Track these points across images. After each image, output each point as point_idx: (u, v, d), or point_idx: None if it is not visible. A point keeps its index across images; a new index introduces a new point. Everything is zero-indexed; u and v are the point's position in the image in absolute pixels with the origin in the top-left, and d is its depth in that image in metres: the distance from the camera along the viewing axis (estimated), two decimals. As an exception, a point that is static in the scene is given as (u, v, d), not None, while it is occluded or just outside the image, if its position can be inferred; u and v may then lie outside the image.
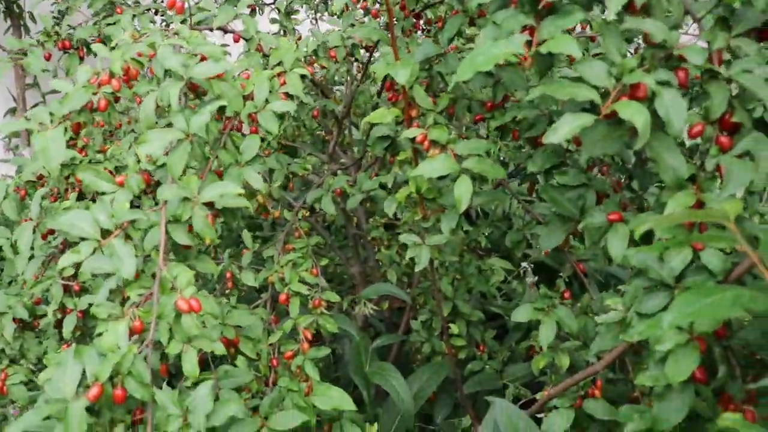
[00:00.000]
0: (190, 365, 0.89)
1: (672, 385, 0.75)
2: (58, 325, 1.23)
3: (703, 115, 0.78)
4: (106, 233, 0.92)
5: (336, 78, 1.67)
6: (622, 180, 1.15)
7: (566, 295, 1.18)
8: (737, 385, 0.79)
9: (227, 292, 1.34)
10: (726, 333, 0.78)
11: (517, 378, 1.55)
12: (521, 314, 1.12)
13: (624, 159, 1.12)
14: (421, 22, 1.42)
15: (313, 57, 1.33)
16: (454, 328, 1.53)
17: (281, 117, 1.09)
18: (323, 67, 1.35)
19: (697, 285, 0.74)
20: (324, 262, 1.33)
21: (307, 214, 1.60)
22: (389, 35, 1.09)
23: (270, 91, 1.12)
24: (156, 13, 1.60)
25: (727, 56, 0.78)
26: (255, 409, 1.05)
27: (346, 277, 1.95)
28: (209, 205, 0.97)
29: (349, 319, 1.46)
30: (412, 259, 1.15)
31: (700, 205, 0.77)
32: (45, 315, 1.27)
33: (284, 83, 1.16)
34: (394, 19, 1.39)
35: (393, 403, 1.42)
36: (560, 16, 0.77)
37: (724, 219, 0.59)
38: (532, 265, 1.68)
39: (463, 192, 0.99)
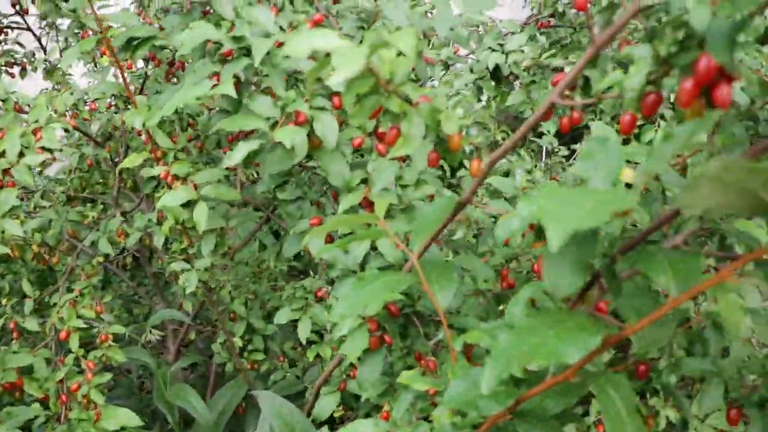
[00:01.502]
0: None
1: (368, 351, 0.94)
2: None
3: (362, 129, 0.98)
4: None
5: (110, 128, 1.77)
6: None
7: (318, 293, 1.35)
8: (422, 342, 0.99)
9: (12, 341, 1.39)
10: (398, 312, 0.96)
11: (316, 379, 1.71)
12: (282, 317, 1.29)
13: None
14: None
15: (76, 111, 1.43)
16: (251, 342, 1.67)
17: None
18: (88, 119, 1.45)
19: (361, 276, 0.92)
20: (108, 298, 1.42)
21: (101, 259, 1.68)
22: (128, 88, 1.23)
23: (27, 147, 1.22)
24: None
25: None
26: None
27: (151, 312, 2.03)
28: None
29: (144, 349, 1.55)
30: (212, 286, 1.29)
31: (369, 202, 0.96)
32: None
33: (40, 138, 1.26)
34: (151, 69, 1.53)
35: (198, 422, 1.54)
36: (234, 62, 0.95)
37: (372, 219, 0.75)
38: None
39: (201, 216, 1.14)
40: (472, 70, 1.36)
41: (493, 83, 1.39)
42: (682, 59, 0.48)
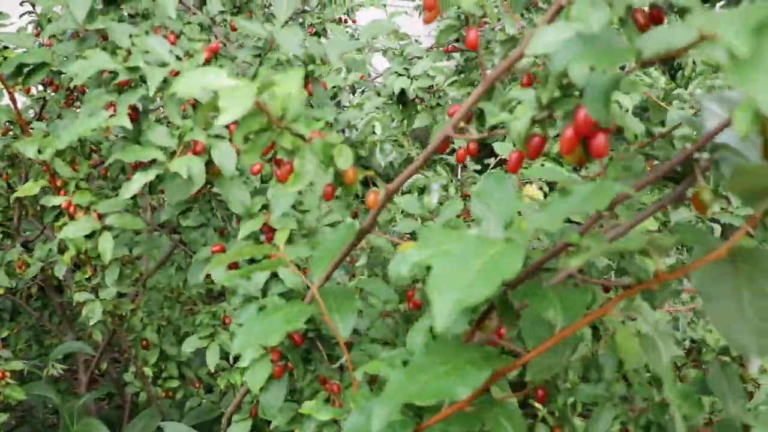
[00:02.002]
0: None
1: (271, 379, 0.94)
2: None
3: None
4: None
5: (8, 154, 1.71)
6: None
7: (227, 320, 1.34)
8: (326, 366, 1.00)
9: None
10: (301, 340, 0.96)
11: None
12: (189, 345, 1.27)
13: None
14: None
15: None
16: (165, 370, 1.63)
17: None
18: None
19: (262, 307, 0.92)
20: (5, 333, 1.37)
21: (1, 291, 1.61)
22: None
23: None
24: None
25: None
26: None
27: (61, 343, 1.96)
28: None
29: (49, 384, 1.50)
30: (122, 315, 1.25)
31: (269, 228, 0.97)
32: None
33: None
34: (50, 93, 1.49)
35: (110, 454, 1.49)
36: (129, 93, 0.94)
37: (271, 251, 0.75)
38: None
39: (106, 246, 1.12)
40: (379, 94, 1.39)
41: (400, 106, 1.42)
42: (564, 106, 0.50)
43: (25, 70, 1.11)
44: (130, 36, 1.01)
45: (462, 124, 0.66)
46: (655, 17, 0.61)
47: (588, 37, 0.42)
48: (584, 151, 0.50)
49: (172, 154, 0.91)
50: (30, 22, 1.65)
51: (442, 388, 0.48)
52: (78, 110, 1.39)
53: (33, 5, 1.58)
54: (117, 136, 1.17)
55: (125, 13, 1.21)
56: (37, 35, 1.68)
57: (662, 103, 1.52)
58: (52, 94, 1.45)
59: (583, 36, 0.42)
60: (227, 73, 0.51)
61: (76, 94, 1.46)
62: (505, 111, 0.61)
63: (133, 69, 0.93)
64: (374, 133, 1.49)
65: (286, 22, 0.93)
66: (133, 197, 1.16)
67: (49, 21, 1.47)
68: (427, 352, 0.54)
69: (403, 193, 1.54)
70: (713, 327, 0.96)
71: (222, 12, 1.06)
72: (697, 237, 0.50)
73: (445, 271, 0.38)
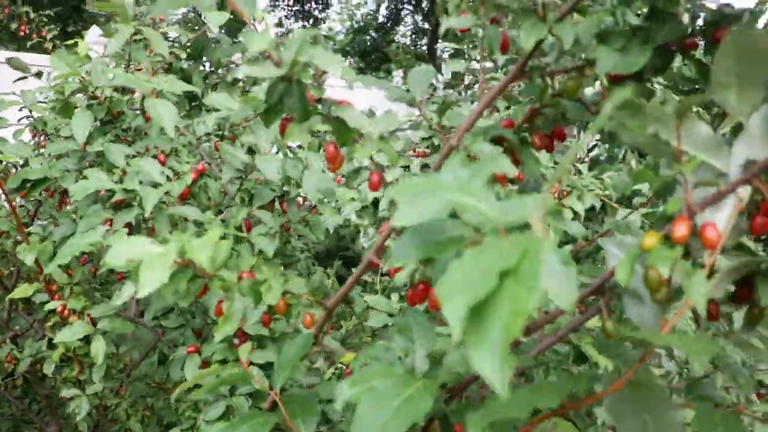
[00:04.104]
0: None
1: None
2: None
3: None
4: None
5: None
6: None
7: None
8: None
9: None
10: None
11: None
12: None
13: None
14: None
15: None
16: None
17: None
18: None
19: (227, 419, 1.01)
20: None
21: (-11, 383, 1.66)
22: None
23: None
24: None
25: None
26: None
27: (43, 434, 1.99)
28: None
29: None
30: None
31: (243, 333, 1.06)
32: None
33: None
34: (44, 197, 1.59)
35: None
36: (126, 211, 1.05)
37: (235, 372, 0.84)
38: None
39: (98, 349, 1.20)
40: (354, 199, 1.51)
41: (374, 210, 1.54)
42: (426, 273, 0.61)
43: (28, 184, 1.22)
44: (125, 157, 1.13)
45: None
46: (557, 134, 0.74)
47: (420, 228, 0.45)
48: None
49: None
50: (26, 126, 1.77)
51: None
52: (69, 207, 1.49)
53: (30, 111, 1.70)
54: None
55: (121, 128, 1.33)
56: (34, 137, 1.80)
57: (615, 204, 1.69)
58: (47, 198, 1.56)
59: (419, 229, 0.45)
60: (150, 241, 0.61)
61: (68, 197, 1.57)
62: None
63: (130, 191, 1.04)
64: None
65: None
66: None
67: (45, 124, 1.59)
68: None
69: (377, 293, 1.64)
70: None
71: (208, 134, 1.19)
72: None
73: (367, 408, 0.44)
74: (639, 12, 0.70)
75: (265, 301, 0.69)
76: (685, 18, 0.67)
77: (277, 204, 1.25)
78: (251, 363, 1.07)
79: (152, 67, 1.47)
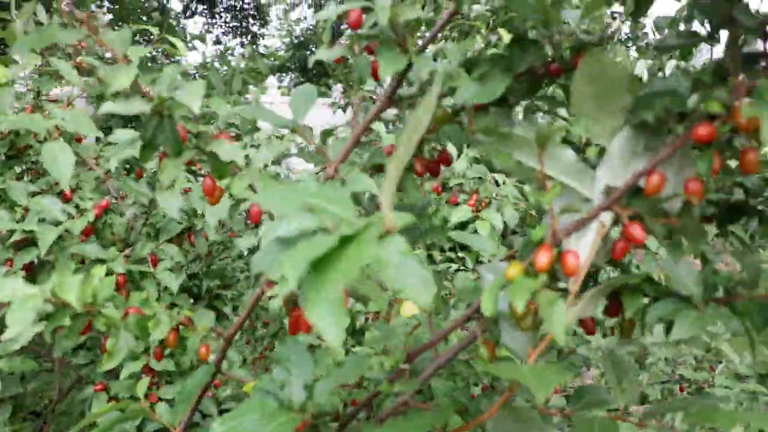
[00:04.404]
0: None
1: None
2: None
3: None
4: None
5: None
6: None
7: None
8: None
9: None
10: None
11: None
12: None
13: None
14: None
15: None
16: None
17: None
18: None
19: None
20: None
21: None
22: None
23: None
24: None
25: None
26: None
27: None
28: None
29: None
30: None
31: (150, 369, 1.07)
32: None
33: None
34: None
35: None
36: (24, 252, 1.04)
37: (137, 412, 0.85)
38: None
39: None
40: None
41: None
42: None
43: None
44: (28, 194, 1.12)
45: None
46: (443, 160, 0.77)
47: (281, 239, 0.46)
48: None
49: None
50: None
51: None
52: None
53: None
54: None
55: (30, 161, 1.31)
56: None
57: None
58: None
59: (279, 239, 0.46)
60: (23, 282, 0.62)
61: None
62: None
63: (29, 231, 1.03)
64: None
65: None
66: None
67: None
68: None
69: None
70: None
71: (117, 167, 1.19)
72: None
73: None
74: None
75: (154, 337, 0.70)
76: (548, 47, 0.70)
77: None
78: (159, 399, 1.08)
79: (68, 99, 1.45)
